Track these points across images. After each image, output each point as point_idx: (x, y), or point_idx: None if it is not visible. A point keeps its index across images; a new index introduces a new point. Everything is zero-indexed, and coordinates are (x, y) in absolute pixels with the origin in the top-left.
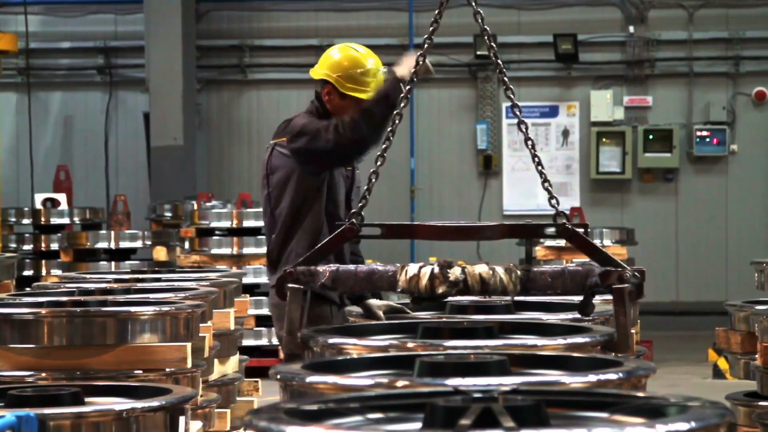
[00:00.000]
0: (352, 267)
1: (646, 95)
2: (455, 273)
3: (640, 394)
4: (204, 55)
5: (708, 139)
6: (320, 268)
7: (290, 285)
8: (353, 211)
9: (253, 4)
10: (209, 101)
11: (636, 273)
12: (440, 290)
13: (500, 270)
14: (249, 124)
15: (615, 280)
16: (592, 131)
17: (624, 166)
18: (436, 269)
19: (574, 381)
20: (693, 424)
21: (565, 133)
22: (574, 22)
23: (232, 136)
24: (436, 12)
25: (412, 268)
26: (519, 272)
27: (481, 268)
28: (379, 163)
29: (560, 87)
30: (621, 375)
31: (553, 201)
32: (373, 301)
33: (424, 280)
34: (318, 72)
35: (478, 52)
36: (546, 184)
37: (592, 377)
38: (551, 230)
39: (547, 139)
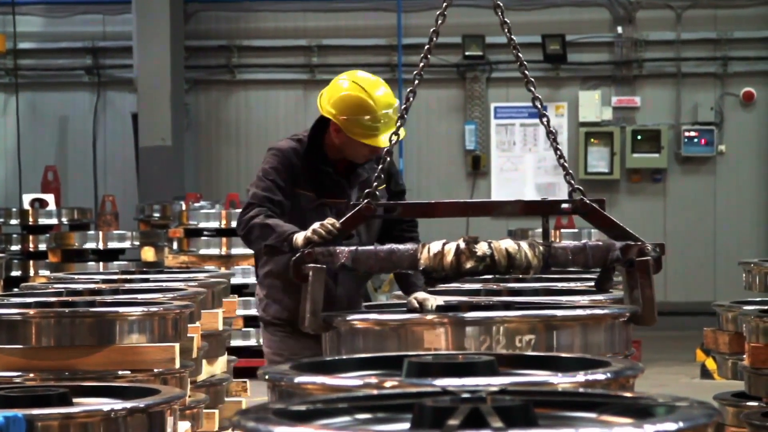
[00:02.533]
0: (371, 247)
1: (634, 96)
2: (482, 248)
3: (628, 394)
4: (192, 56)
5: (696, 140)
6: (339, 249)
7: (312, 265)
8: (368, 191)
9: (242, 4)
10: (197, 101)
11: (656, 247)
12: (467, 266)
13: (525, 245)
14: (237, 125)
15: (636, 254)
16: (581, 132)
17: (612, 166)
18: (462, 245)
19: (562, 381)
20: (681, 424)
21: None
22: (563, 23)
23: (221, 136)
24: (426, 48)
25: (435, 246)
26: (542, 248)
27: (507, 243)
28: (393, 141)
29: (548, 87)
30: (609, 375)
31: (569, 177)
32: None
33: (449, 257)
34: (325, 108)
35: (467, 53)
36: (561, 160)
37: (580, 377)
38: (568, 206)
39: (535, 140)
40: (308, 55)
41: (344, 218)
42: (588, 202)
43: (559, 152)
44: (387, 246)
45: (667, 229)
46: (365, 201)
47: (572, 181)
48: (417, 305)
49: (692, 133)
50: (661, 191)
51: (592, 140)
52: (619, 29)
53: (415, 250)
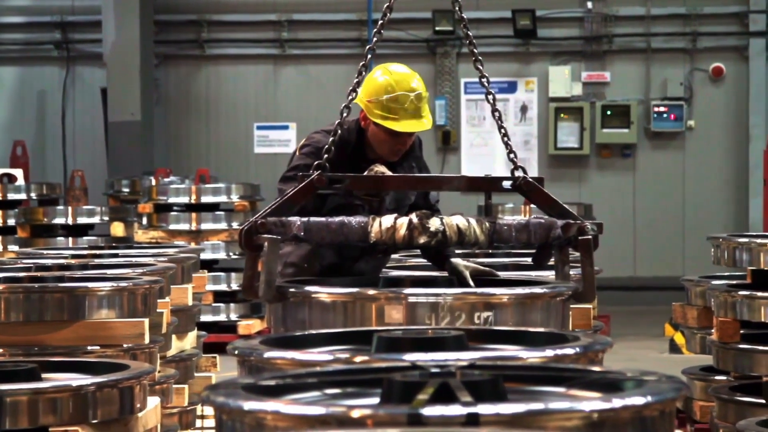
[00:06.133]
0: (323, 219)
1: (604, 71)
2: (435, 223)
3: (597, 369)
4: (162, 30)
5: (665, 115)
6: (291, 219)
7: (267, 236)
8: (318, 162)
9: None
10: (167, 76)
11: (594, 225)
12: (420, 240)
13: (473, 222)
14: (207, 99)
15: (576, 232)
16: (551, 107)
17: (582, 141)
18: (415, 219)
19: (531, 356)
20: (649, 398)
21: (524, 109)
22: None
23: (190, 111)
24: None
25: (387, 220)
26: (487, 224)
27: (458, 219)
28: (345, 114)
29: (518, 63)
30: (578, 350)
31: (512, 155)
32: (459, 261)
33: (401, 231)
34: (357, 94)
35: (437, 28)
36: (505, 138)
37: (549, 352)
38: (510, 183)
39: (505, 115)
40: (278, 29)
41: (295, 189)
42: (530, 180)
43: (503, 130)
44: (338, 218)
45: (637, 204)
46: (316, 173)
47: (515, 160)
48: (464, 271)
49: (662, 109)
50: (631, 166)
51: (562, 115)
52: (589, 4)
53: (366, 222)
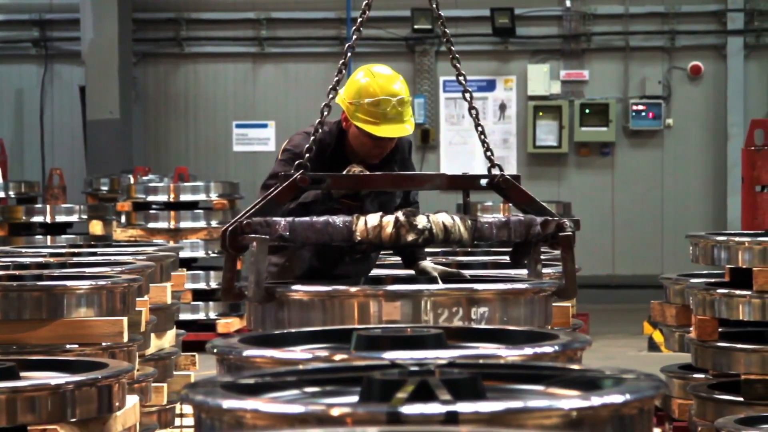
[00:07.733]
0: (307, 218)
1: (582, 69)
2: (421, 221)
3: (576, 367)
4: (140, 28)
5: (644, 113)
6: (276, 219)
7: (255, 236)
8: (299, 162)
9: None
10: (146, 74)
11: (571, 223)
12: (408, 238)
13: (458, 219)
14: (186, 98)
15: (555, 229)
16: (529, 105)
17: (561, 140)
18: (402, 217)
19: (511, 354)
20: (628, 396)
21: (503, 107)
22: None
23: (169, 109)
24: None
25: (372, 218)
26: (469, 222)
27: (443, 217)
28: (326, 113)
29: (497, 61)
30: (557, 348)
31: (489, 153)
32: (428, 263)
33: (388, 229)
34: (340, 95)
35: (416, 26)
36: (482, 136)
37: (528, 350)
38: (486, 181)
39: (484, 113)
40: (257, 28)
41: (278, 188)
42: (508, 177)
43: (480, 128)
44: (323, 217)
45: (615, 203)
46: (299, 172)
47: (492, 157)
48: (433, 273)
49: (640, 107)
50: (609, 165)
51: (541, 114)
52: (568, 3)
53: (350, 221)
